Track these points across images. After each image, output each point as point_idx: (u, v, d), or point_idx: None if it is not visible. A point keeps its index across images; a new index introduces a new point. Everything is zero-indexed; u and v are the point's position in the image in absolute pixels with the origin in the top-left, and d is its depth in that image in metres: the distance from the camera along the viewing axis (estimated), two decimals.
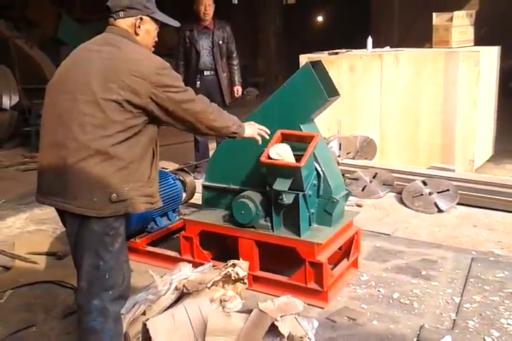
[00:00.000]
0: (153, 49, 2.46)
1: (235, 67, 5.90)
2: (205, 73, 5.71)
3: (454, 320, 2.98)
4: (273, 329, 2.58)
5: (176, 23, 2.52)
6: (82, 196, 2.17)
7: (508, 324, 2.91)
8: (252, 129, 2.74)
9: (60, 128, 2.19)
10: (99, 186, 2.16)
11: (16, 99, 8.07)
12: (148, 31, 2.37)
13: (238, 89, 5.93)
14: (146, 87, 2.17)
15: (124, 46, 2.27)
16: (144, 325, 2.52)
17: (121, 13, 2.30)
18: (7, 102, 7.96)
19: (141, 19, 2.33)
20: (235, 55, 5.89)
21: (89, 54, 2.27)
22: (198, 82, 5.64)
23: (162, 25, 2.46)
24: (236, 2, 11.89)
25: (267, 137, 2.84)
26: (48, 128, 2.27)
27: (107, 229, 2.22)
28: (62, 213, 2.32)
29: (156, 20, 2.39)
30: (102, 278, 2.24)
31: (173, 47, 6.70)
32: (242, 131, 2.64)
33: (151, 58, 2.26)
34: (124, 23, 2.32)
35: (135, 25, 2.32)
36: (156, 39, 2.47)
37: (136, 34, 2.34)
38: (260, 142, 2.81)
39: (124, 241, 2.33)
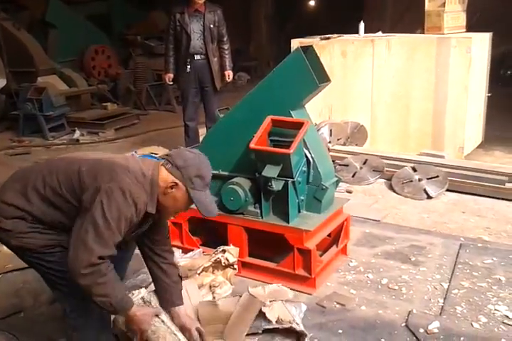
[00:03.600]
0: (171, 218, 2.29)
1: (226, 52, 5.84)
2: (195, 57, 5.63)
3: (442, 305, 3.00)
4: (263, 313, 2.61)
5: (209, 214, 2.23)
6: None
7: (495, 310, 2.94)
8: (143, 322, 2.22)
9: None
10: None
11: (3, 82, 7.95)
12: (175, 198, 2.18)
13: (229, 74, 5.87)
14: (97, 187, 2.04)
15: (123, 176, 2.09)
16: None
17: (170, 166, 2.16)
18: None
19: (177, 185, 2.15)
20: (225, 39, 5.82)
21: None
22: (188, 67, 5.54)
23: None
24: None
25: None
26: None
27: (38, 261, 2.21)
28: None
29: (190, 197, 2.17)
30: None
31: (163, 29, 6.61)
32: (125, 307, 2.13)
33: (130, 188, 2.06)
34: (165, 175, 2.16)
35: (168, 185, 2.15)
36: (179, 212, 2.30)
37: (164, 193, 2.16)
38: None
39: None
